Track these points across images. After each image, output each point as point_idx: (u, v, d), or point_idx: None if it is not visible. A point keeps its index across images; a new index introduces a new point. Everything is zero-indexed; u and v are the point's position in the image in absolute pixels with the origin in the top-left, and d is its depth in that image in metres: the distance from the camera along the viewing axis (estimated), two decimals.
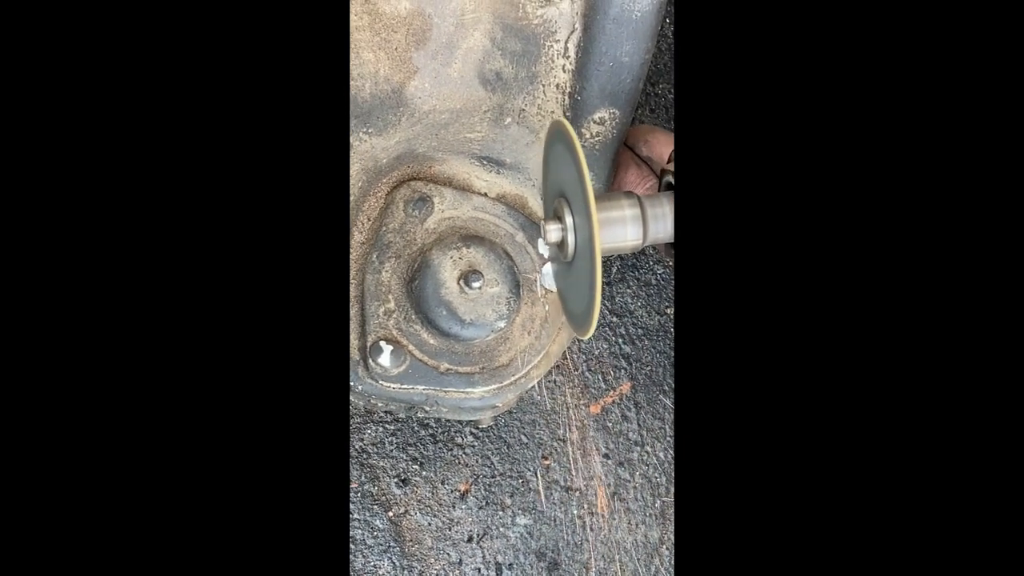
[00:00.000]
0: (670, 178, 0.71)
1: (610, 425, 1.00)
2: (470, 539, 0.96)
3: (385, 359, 0.77)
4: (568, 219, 0.67)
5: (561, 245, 0.69)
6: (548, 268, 0.79)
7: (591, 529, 0.98)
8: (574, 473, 0.99)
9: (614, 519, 0.99)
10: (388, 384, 0.78)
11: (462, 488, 0.96)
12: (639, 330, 1.02)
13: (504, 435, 0.98)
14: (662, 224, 0.67)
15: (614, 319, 1.01)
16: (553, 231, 0.68)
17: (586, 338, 0.76)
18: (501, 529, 0.96)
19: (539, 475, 0.98)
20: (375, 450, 0.95)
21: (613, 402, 1.01)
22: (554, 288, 0.79)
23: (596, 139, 0.79)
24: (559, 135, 0.67)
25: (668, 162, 0.72)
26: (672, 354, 1.02)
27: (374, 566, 0.94)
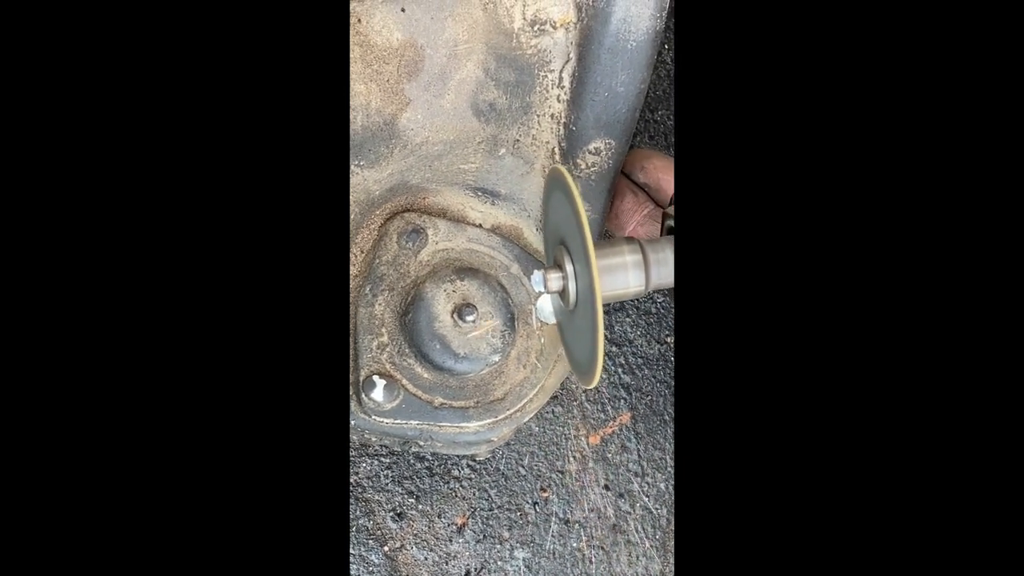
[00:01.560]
0: (672, 222, 0.70)
1: (610, 456, 0.99)
2: (467, 573, 0.94)
3: (378, 394, 0.76)
4: (568, 267, 0.66)
5: (563, 294, 0.68)
6: (543, 301, 0.78)
7: (591, 562, 0.97)
8: (573, 505, 0.98)
9: (614, 551, 0.97)
10: (381, 419, 0.77)
11: (459, 521, 0.95)
12: (639, 359, 1.01)
13: (502, 467, 0.96)
14: (665, 269, 0.66)
15: (613, 348, 1.00)
16: (554, 280, 0.67)
17: (591, 387, 0.75)
18: (499, 563, 0.95)
19: (538, 508, 0.97)
20: (370, 483, 0.93)
21: (613, 432, 1.00)
22: (549, 321, 0.78)
23: (592, 169, 0.78)
24: (557, 182, 0.67)
25: (669, 205, 0.71)
26: (672, 383, 1.00)
27: None
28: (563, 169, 0.65)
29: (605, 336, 1.00)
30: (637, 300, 1.02)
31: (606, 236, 0.88)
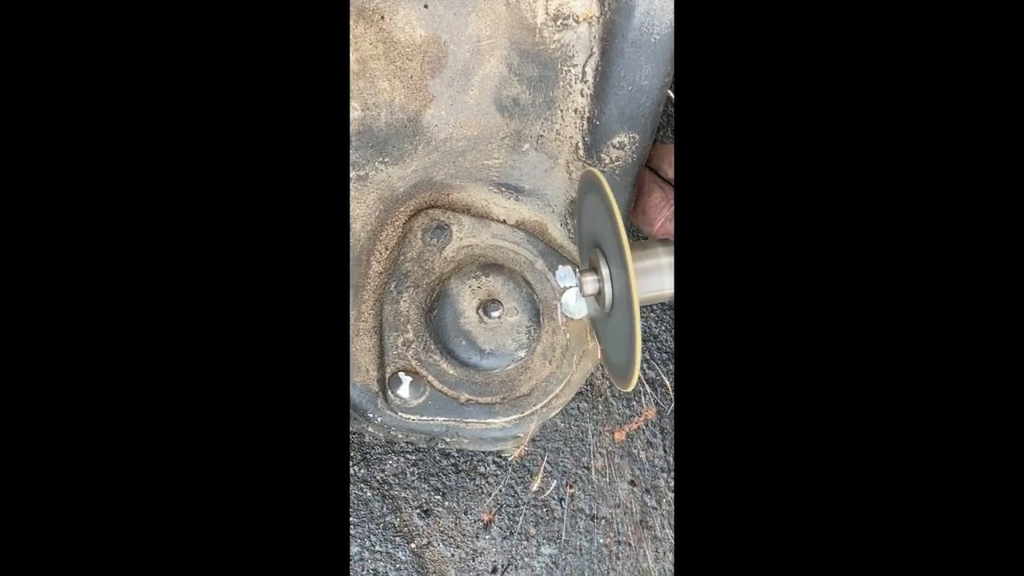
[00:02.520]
0: None
1: (635, 452, 0.99)
2: (494, 570, 0.94)
3: (404, 390, 0.76)
4: (604, 270, 0.66)
5: (599, 296, 0.67)
6: (568, 296, 0.78)
7: (618, 558, 0.97)
8: (599, 501, 0.97)
9: (641, 547, 0.97)
10: (408, 416, 0.77)
11: (485, 518, 0.95)
12: (664, 354, 1.00)
13: (528, 463, 0.96)
14: None
15: None
16: (590, 283, 0.67)
17: (628, 390, 0.75)
18: (526, 559, 0.95)
19: (564, 504, 0.96)
20: (396, 481, 0.93)
21: (638, 428, 0.99)
22: (575, 316, 0.78)
23: (616, 164, 0.77)
24: (592, 185, 0.66)
25: None
26: None
27: None
28: (597, 172, 0.65)
29: None
30: None
31: (633, 231, 0.88)
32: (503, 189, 0.81)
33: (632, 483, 0.98)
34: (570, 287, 0.77)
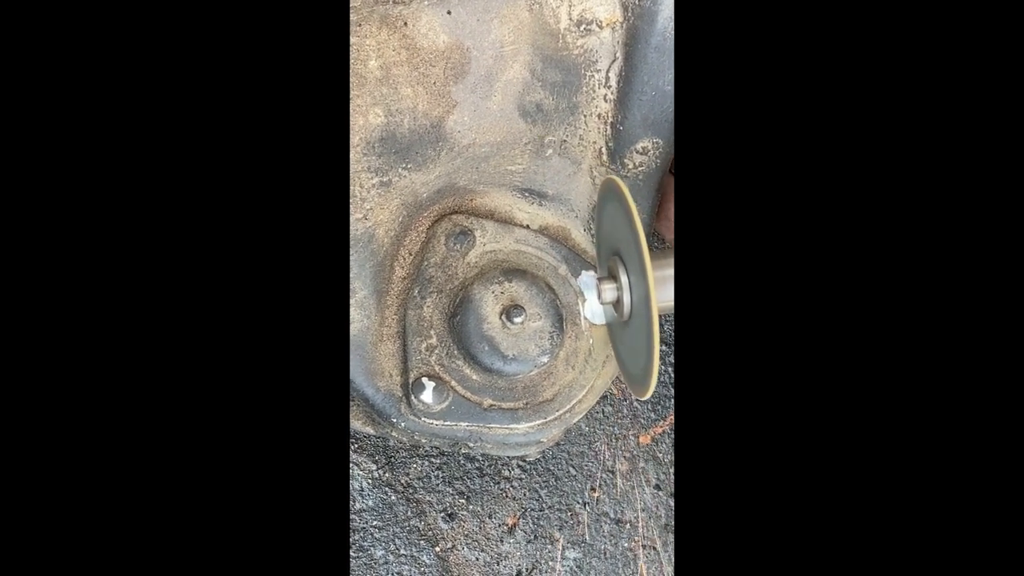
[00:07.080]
0: None
1: (660, 455, 0.98)
2: (519, 574, 0.94)
3: (428, 396, 0.76)
4: (623, 278, 0.66)
5: (617, 304, 0.67)
6: (591, 301, 0.78)
7: (643, 562, 0.96)
8: (624, 505, 0.97)
9: (666, 551, 0.97)
10: (431, 421, 0.77)
11: (510, 522, 0.95)
12: None
13: (552, 467, 0.96)
14: None
15: (663, 348, 0.99)
16: (608, 290, 0.67)
17: (645, 398, 0.75)
18: (550, 563, 0.95)
19: (588, 508, 0.96)
20: (421, 484, 0.94)
21: (663, 432, 0.99)
22: (597, 321, 0.78)
23: (639, 169, 0.77)
24: (612, 193, 0.66)
25: None
26: None
27: None
28: (618, 180, 0.65)
29: None
30: None
31: (656, 237, 0.88)
32: (526, 194, 0.81)
33: (657, 487, 0.98)
34: (592, 294, 0.77)
